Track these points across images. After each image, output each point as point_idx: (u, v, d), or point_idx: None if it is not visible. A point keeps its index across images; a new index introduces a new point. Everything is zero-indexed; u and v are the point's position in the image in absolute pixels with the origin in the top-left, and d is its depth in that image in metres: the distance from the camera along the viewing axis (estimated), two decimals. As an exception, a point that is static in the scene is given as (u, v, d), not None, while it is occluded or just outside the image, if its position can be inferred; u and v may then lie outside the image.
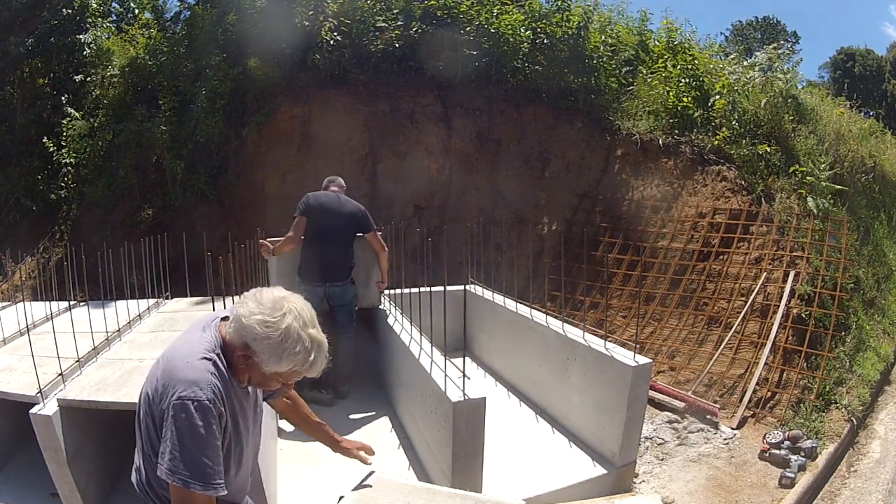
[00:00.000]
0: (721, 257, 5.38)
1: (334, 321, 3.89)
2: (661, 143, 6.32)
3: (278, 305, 1.32)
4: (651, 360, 3.12)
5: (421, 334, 3.32)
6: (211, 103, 6.93)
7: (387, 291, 4.29)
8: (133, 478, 1.47)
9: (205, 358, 1.33)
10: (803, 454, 3.64)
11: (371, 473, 1.94)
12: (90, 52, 8.11)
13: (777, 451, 3.65)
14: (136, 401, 1.43)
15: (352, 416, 3.84)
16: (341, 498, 1.82)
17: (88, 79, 7.98)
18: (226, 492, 1.33)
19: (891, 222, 6.64)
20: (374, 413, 3.89)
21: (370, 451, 1.87)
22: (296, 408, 1.85)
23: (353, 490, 1.86)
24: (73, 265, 3.65)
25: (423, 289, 3.13)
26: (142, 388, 1.42)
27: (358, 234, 3.91)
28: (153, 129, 6.94)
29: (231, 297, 2.97)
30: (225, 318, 1.43)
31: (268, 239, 3.82)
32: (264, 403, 1.69)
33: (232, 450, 1.41)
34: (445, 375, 2.72)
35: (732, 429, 4.03)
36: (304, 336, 1.32)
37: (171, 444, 1.26)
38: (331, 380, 3.94)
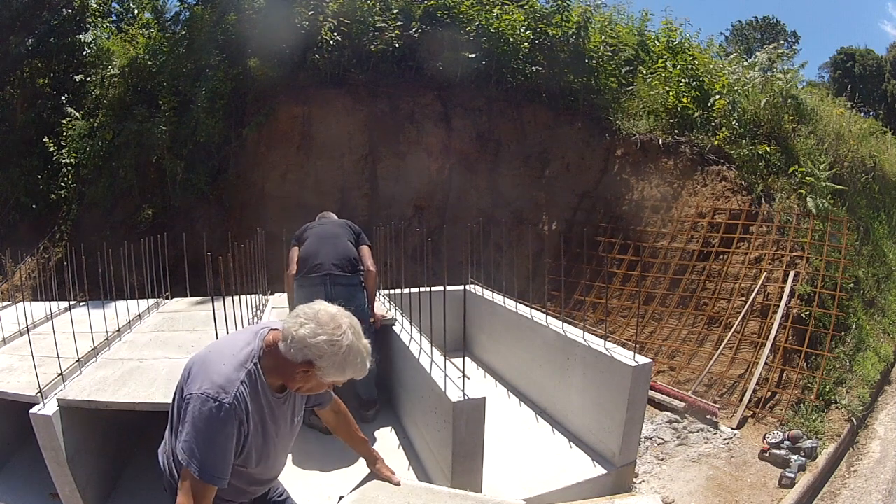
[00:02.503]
0: (721, 257, 5.38)
1: None
2: (661, 143, 6.32)
3: (336, 323, 1.44)
4: (651, 360, 3.12)
5: (421, 334, 3.32)
6: (211, 103, 6.93)
7: (387, 291, 4.28)
8: (160, 450, 1.63)
9: (241, 366, 1.45)
10: (803, 454, 3.64)
11: (370, 473, 1.95)
12: (90, 52, 8.12)
13: (777, 451, 3.65)
14: (136, 401, 1.47)
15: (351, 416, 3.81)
16: (341, 498, 1.82)
17: (88, 79, 7.98)
18: (224, 486, 1.44)
19: (891, 222, 6.63)
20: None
21: (397, 483, 1.93)
22: (345, 420, 1.95)
23: (353, 490, 1.87)
24: (73, 265, 3.64)
25: (423, 289, 3.13)
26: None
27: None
28: (153, 129, 6.94)
29: (231, 297, 2.97)
30: (274, 329, 1.53)
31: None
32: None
33: (251, 449, 1.51)
34: (445, 375, 2.71)
35: (732, 429, 4.03)
36: (360, 348, 1.47)
37: (188, 430, 1.40)
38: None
